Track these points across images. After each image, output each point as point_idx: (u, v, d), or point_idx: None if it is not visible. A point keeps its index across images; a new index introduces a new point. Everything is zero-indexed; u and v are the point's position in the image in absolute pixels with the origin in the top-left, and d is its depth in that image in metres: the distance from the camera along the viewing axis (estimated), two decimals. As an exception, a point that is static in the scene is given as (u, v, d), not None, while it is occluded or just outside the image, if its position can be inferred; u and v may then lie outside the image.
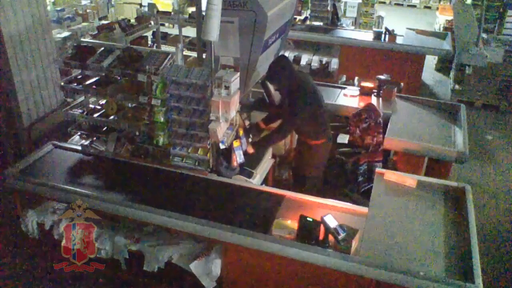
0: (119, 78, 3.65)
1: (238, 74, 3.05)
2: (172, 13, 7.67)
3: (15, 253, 3.79)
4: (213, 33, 2.78)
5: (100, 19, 8.72)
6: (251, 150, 3.58)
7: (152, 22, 7.28)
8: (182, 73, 3.16)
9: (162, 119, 3.32)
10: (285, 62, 3.62)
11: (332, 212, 2.83)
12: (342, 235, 2.69)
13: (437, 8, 10.75)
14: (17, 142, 4.72)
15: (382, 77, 4.88)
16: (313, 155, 3.87)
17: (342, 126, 4.55)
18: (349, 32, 7.27)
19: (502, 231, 4.43)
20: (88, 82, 3.71)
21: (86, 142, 3.79)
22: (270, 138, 3.71)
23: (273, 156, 4.05)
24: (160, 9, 7.96)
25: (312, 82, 3.81)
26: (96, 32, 6.86)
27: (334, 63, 6.85)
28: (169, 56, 3.43)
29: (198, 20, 3.28)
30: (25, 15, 4.68)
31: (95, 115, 3.66)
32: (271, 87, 3.65)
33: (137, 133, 3.57)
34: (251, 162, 3.60)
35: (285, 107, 3.64)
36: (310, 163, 3.91)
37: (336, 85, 5.51)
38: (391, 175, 3.44)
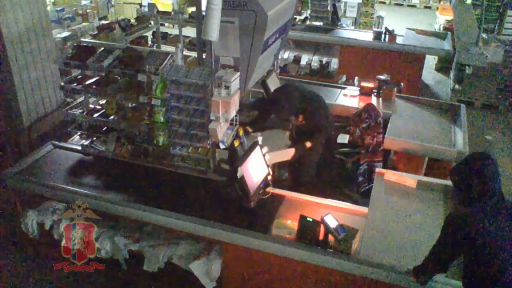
0: (119, 78, 3.66)
1: (238, 74, 3.05)
2: (172, 13, 7.66)
3: (15, 253, 3.78)
4: (213, 33, 2.77)
5: (100, 19, 8.70)
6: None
7: (152, 22, 7.27)
8: (182, 73, 3.17)
9: (162, 119, 3.33)
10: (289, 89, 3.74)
11: (332, 212, 2.82)
12: (342, 235, 2.69)
13: (437, 8, 10.75)
14: (17, 142, 4.71)
15: (382, 77, 4.88)
16: (311, 155, 3.88)
17: (342, 126, 4.55)
18: (349, 32, 7.28)
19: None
20: (88, 82, 3.71)
21: (86, 142, 3.79)
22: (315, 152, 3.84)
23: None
24: (160, 9, 7.93)
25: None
26: (96, 32, 6.85)
27: (334, 63, 6.86)
28: (169, 56, 3.43)
29: (198, 20, 3.27)
30: (25, 15, 4.67)
31: (95, 115, 3.67)
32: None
33: (137, 133, 3.57)
34: None
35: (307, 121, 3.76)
36: (306, 164, 3.90)
37: (336, 85, 5.51)
38: (391, 175, 3.44)
